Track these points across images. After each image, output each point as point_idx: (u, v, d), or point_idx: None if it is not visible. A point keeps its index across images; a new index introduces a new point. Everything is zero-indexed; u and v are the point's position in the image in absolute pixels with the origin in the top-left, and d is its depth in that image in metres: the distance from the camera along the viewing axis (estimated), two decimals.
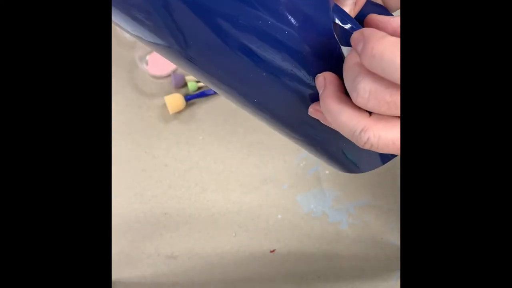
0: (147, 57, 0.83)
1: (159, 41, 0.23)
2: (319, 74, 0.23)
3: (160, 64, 0.82)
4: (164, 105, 0.78)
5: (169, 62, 0.85)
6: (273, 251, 0.68)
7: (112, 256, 0.66)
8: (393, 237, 0.69)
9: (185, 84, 0.81)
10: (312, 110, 0.26)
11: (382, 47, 0.18)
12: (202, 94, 0.80)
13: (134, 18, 0.22)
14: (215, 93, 0.80)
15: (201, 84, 0.81)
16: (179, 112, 0.79)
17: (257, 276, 0.66)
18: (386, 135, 0.20)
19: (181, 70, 0.82)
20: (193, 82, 0.80)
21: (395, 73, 0.18)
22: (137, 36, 0.24)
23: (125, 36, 0.85)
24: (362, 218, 0.70)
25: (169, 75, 0.82)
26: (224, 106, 0.80)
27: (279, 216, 0.70)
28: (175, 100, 0.77)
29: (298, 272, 0.66)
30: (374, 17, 0.23)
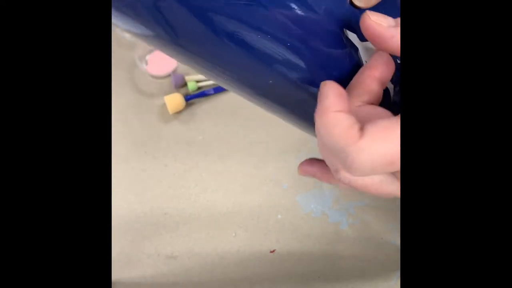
0: (147, 57, 0.83)
1: (152, 35, 0.22)
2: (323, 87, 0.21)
3: (160, 64, 0.82)
4: (164, 105, 0.78)
5: (169, 62, 0.85)
6: (273, 251, 0.68)
7: (112, 256, 0.66)
8: (393, 237, 0.69)
9: (185, 84, 0.81)
10: (302, 172, 0.27)
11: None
12: (202, 94, 0.80)
13: (122, 12, 0.21)
14: (215, 93, 0.80)
15: (201, 84, 0.81)
16: (179, 112, 0.79)
17: (257, 276, 0.66)
18: (356, 180, 0.21)
19: (181, 70, 0.82)
20: (193, 82, 0.80)
21: None
22: (126, 30, 0.24)
23: (125, 36, 0.85)
24: (362, 218, 0.70)
25: (169, 75, 0.81)
26: (224, 106, 0.80)
27: (279, 216, 0.70)
28: (175, 100, 0.77)
29: (298, 272, 0.66)
30: (373, 27, 0.20)
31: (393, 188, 0.22)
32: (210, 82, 0.81)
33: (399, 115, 0.18)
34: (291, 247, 0.68)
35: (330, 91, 0.20)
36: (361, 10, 0.21)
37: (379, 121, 0.18)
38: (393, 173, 0.22)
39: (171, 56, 0.24)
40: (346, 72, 0.23)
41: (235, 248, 0.68)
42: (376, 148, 0.17)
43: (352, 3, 0.21)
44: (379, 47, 0.20)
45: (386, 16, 0.20)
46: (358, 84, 0.22)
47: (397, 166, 0.17)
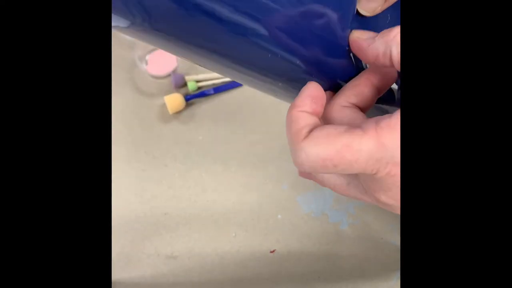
0: (147, 57, 0.83)
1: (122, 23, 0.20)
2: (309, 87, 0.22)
3: (160, 64, 0.82)
4: (164, 105, 0.78)
5: (169, 62, 0.85)
6: (273, 251, 0.68)
7: (112, 256, 0.66)
8: (393, 237, 0.69)
9: (185, 84, 0.81)
10: (300, 174, 0.28)
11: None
12: (202, 94, 0.80)
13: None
14: (215, 93, 0.80)
15: (201, 84, 0.81)
16: (179, 112, 0.79)
17: (257, 276, 0.66)
18: (329, 179, 0.24)
19: (181, 70, 0.82)
20: (193, 82, 0.80)
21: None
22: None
23: (125, 37, 0.85)
24: (362, 218, 0.70)
25: (169, 75, 0.81)
26: (224, 106, 0.80)
27: (279, 216, 0.70)
28: (175, 100, 0.77)
29: (298, 272, 0.66)
30: (357, 38, 0.22)
31: (357, 191, 0.24)
32: (210, 82, 0.81)
33: (355, 127, 0.19)
34: (291, 247, 0.68)
35: (305, 91, 0.21)
36: (366, 18, 0.22)
37: (326, 127, 0.20)
38: (357, 178, 0.23)
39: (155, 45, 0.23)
40: (348, 76, 0.23)
41: (235, 248, 0.68)
42: (312, 150, 0.19)
43: (358, 13, 0.22)
44: (361, 58, 0.22)
45: (368, 32, 0.21)
46: (352, 86, 0.23)
47: (333, 169, 0.19)
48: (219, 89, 0.81)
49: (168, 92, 0.79)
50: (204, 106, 0.80)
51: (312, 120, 0.21)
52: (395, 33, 0.20)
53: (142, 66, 0.81)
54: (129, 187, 0.72)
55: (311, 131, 0.20)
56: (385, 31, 0.21)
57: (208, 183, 0.73)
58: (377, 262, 0.67)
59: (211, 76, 0.82)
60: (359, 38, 0.21)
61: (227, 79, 0.81)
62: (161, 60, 0.82)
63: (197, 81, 0.81)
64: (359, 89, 0.22)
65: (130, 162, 0.75)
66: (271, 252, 0.68)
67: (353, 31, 0.22)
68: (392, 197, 0.20)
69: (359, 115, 0.22)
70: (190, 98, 0.79)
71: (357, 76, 0.23)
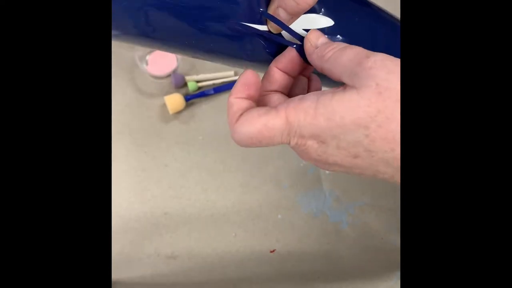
0: (147, 57, 0.83)
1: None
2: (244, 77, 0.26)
3: (160, 64, 0.82)
4: (164, 105, 0.78)
5: (169, 62, 0.85)
6: (273, 251, 0.68)
7: (112, 256, 0.66)
8: (393, 237, 0.69)
9: (185, 84, 0.81)
10: None
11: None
12: (202, 94, 0.80)
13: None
14: (215, 93, 0.80)
15: (201, 84, 0.81)
16: (179, 112, 0.79)
17: (257, 276, 0.66)
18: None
19: (181, 70, 0.82)
20: (193, 82, 0.80)
21: None
22: None
23: None
24: (362, 218, 0.70)
25: (169, 75, 0.81)
26: (224, 106, 0.80)
27: (279, 216, 0.70)
28: (175, 100, 0.77)
29: (298, 272, 0.66)
30: (309, 42, 0.25)
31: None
32: (210, 82, 0.81)
33: (275, 108, 0.23)
34: (291, 247, 0.68)
35: (240, 80, 0.25)
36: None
37: (251, 111, 0.24)
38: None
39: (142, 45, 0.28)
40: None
41: (235, 248, 0.68)
42: (241, 131, 0.23)
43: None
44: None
45: (321, 37, 0.26)
46: (267, 75, 0.27)
47: (260, 144, 0.23)
48: (219, 89, 0.81)
49: (168, 92, 0.79)
50: (204, 106, 0.80)
51: (245, 104, 0.24)
52: (328, 51, 0.24)
53: (142, 66, 0.81)
54: (129, 187, 0.72)
55: (241, 114, 0.24)
56: (321, 47, 0.25)
57: (208, 183, 0.73)
58: (377, 262, 0.67)
59: (211, 76, 0.82)
60: (310, 41, 0.26)
61: (227, 79, 0.81)
62: (161, 60, 0.82)
63: (197, 81, 0.81)
64: (271, 77, 0.27)
65: (130, 162, 0.75)
66: (271, 252, 0.68)
67: (311, 30, 0.26)
68: (306, 160, 0.25)
69: (280, 98, 0.26)
70: (190, 98, 0.79)
71: (269, 67, 0.27)
